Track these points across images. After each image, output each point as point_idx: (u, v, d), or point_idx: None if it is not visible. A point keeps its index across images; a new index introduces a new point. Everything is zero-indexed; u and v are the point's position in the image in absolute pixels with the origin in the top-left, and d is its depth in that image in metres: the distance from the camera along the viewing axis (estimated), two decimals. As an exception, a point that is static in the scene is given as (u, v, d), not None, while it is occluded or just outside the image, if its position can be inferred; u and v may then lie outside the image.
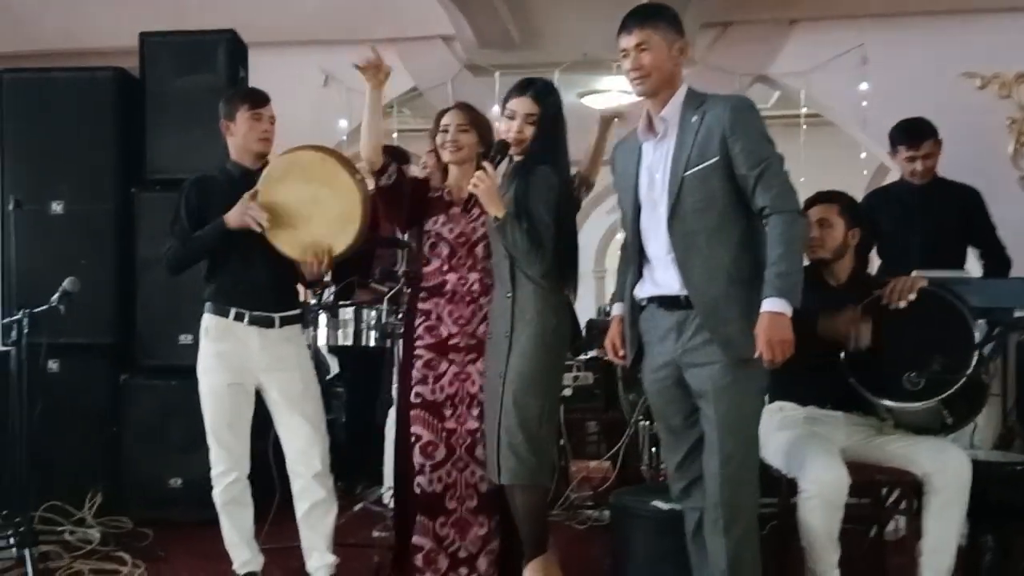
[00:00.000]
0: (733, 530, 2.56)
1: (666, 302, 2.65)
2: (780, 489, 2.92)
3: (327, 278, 3.64)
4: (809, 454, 2.83)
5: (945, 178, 4.17)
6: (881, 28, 5.43)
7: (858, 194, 10.66)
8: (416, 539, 3.14)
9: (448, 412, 3.12)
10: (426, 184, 3.25)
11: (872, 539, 3.28)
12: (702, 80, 5.73)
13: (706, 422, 2.59)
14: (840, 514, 2.78)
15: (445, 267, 3.13)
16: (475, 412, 3.10)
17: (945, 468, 2.83)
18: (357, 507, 4.11)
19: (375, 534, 4.00)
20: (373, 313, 3.81)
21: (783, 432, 2.98)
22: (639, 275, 2.74)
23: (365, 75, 3.02)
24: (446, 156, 3.16)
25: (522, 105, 2.93)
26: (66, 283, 3.43)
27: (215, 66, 4.43)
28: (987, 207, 4.17)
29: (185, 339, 4.29)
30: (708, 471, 2.59)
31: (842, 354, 2.93)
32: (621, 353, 2.84)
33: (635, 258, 2.75)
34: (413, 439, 3.14)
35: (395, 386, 3.99)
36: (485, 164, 2.86)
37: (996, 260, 4.09)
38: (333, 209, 3.14)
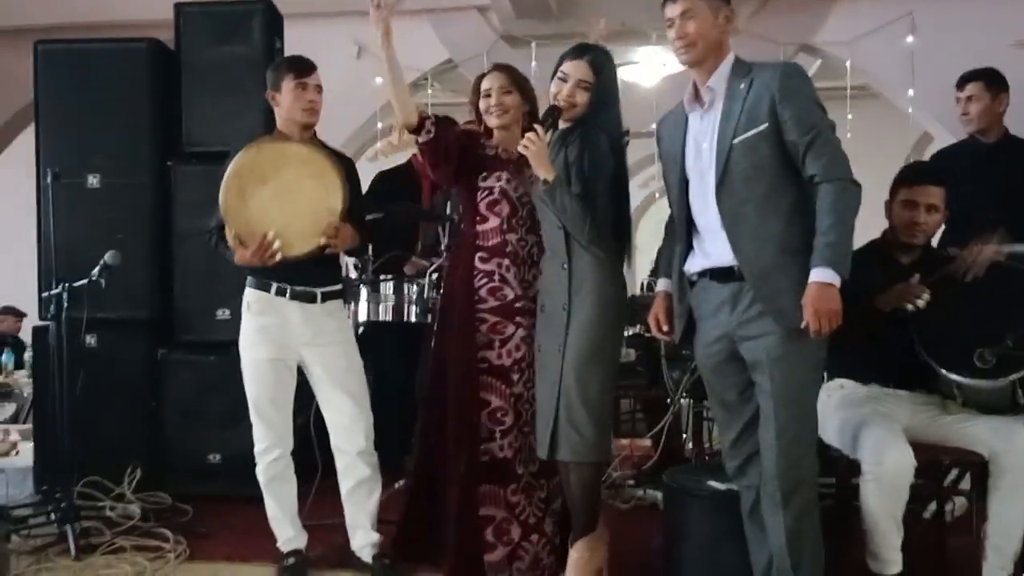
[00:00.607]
0: (792, 504, 2.49)
1: (719, 274, 2.58)
2: (838, 470, 2.84)
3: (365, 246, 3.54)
4: (873, 434, 2.74)
5: (1016, 136, 4.04)
6: (929, -3, 5.28)
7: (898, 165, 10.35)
8: (485, 510, 3.02)
9: (516, 377, 3.02)
10: (478, 137, 3.11)
11: (930, 520, 3.19)
12: (745, 49, 5.48)
13: (761, 394, 2.52)
14: (905, 496, 2.70)
15: (505, 226, 3.02)
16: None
17: (1013, 448, 2.74)
18: (398, 484, 4.05)
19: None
20: (415, 288, 3.73)
21: (844, 411, 2.90)
22: (689, 248, 2.67)
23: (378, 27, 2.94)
24: (492, 121, 3.05)
25: (577, 69, 2.82)
26: (107, 256, 3.38)
27: (251, 37, 4.33)
28: None
29: (223, 314, 4.25)
30: (764, 444, 2.52)
31: (913, 330, 2.82)
32: (665, 329, 2.79)
33: (684, 232, 2.67)
34: (480, 405, 3.02)
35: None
36: (536, 127, 2.76)
37: None
38: (303, 182, 3.06)
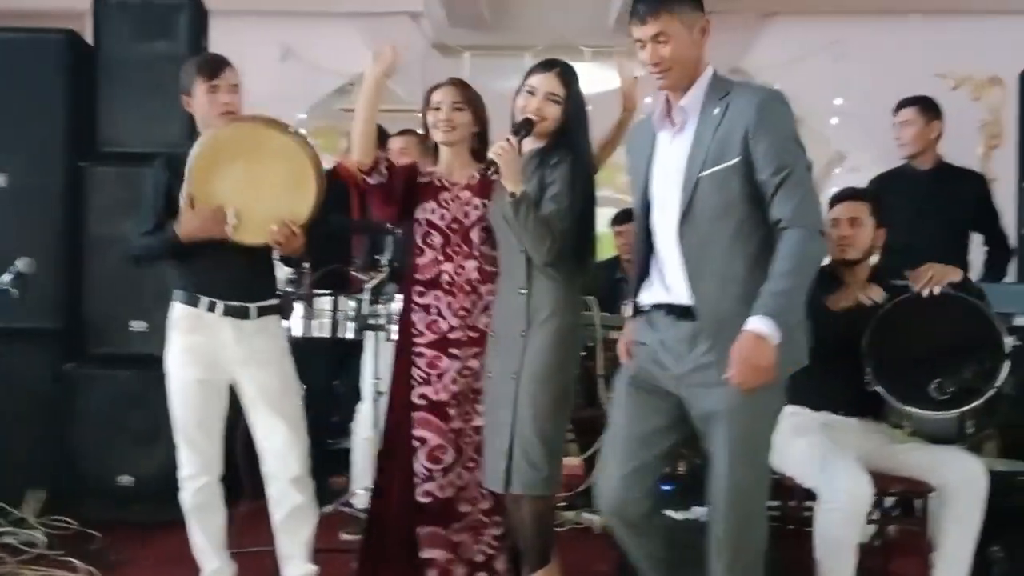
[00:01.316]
0: (736, 568, 2.32)
1: (677, 310, 2.35)
2: (793, 498, 2.82)
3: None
4: (832, 464, 2.72)
5: (950, 164, 4.15)
6: (856, 24, 5.41)
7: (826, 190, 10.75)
8: (427, 553, 2.93)
9: (453, 411, 2.93)
10: (415, 170, 3.02)
11: (872, 545, 3.21)
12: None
13: (715, 447, 2.30)
14: (862, 523, 2.69)
15: (440, 257, 2.94)
16: (480, 408, 2.92)
17: (964, 478, 2.76)
18: (325, 509, 3.88)
19: (343, 537, 3.80)
20: (352, 303, 3.57)
21: (800, 438, 2.87)
22: (646, 275, 2.46)
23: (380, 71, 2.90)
24: (438, 136, 2.95)
25: (546, 82, 2.73)
26: (19, 263, 3.11)
27: (175, 34, 4.11)
28: (991, 193, 4.18)
29: (139, 326, 4.03)
30: (714, 502, 2.32)
31: (865, 359, 2.83)
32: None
33: (642, 258, 2.46)
34: (417, 444, 2.94)
35: (372, 382, 3.81)
36: (509, 137, 2.65)
37: (1000, 248, 4.11)
38: (278, 176, 2.87)
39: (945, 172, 4.10)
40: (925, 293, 2.89)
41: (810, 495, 2.83)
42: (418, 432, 2.93)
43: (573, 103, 2.74)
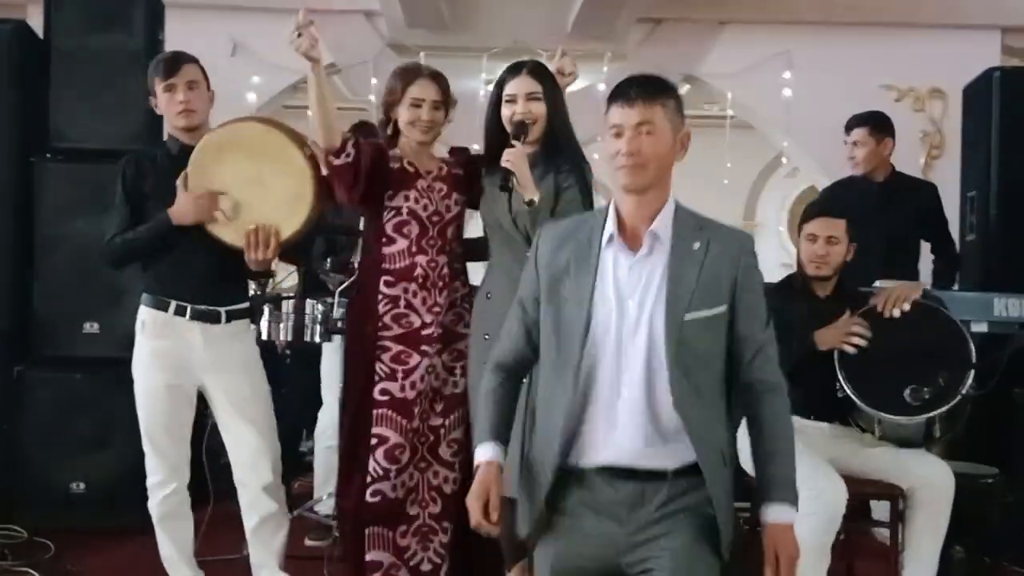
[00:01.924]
0: None
1: (621, 473, 1.95)
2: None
3: (272, 266, 3.31)
4: (804, 469, 2.75)
5: (904, 174, 4.25)
6: (807, 35, 5.53)
7: (775, 197, 10.91)
8: (372, 555, 2.84)
9: (416, 409, 2.84)
10: (383, 151, 2.87)
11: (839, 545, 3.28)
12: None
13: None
14: (837, 527, 2.75)
15: (414, 248, 2.84)
16: (439, 408, 2.89)
17: (931, 481, 2.85)
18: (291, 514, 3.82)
19: (307, 543, 3.75)
20: (320, 307, 3.51)
21: (773, 444, 2.92)
22: (576, 424, 1.97)
23: (300, 50, 2.71)
24: (417, 135, 2.85)
25: (521, 85, 2.73)
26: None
27: (131, 26, 4.01)
28: (941, 203, 4.28)
29: (91, 327, 3.93)
30: None
31: (837, 366, 2.89)
32: (494, 519, 1.98)
33: (570, 405, 1.96)
34: (375, 441, 2.82)
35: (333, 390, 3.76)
36: (515, 143, 2.64)
37: (948, 256, 4.22)
38: (280, 188, 2.84)
39: (897, 182, 4.20)
40: (887, 314, 2.96)
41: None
42: (377, 429, 2.83)
43: (552, 95, 2.74)
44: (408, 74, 2.87)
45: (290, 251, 3.04)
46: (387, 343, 2.84)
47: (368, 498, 2.82)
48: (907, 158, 5.42)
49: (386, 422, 2.83)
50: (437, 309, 2.86)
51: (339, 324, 3.47)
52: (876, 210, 4.07)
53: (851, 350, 2.87)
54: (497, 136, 2.79)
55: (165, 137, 3.15)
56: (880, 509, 3.41)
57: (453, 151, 3.06)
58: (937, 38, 5.47)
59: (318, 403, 4.04)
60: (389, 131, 2.92)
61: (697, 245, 2.00)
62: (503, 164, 2.62)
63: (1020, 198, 4.26)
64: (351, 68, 5.54)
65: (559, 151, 2.75)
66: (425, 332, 2.85)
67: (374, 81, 5.38)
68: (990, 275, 4.26)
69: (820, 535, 2.73)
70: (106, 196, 3.77)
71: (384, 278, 2.86)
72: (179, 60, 2.95)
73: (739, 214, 10.23)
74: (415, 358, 2.84)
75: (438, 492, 2.90)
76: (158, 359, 2.91)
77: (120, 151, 3.85)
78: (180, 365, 2.91)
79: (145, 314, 2.94)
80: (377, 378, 2.84)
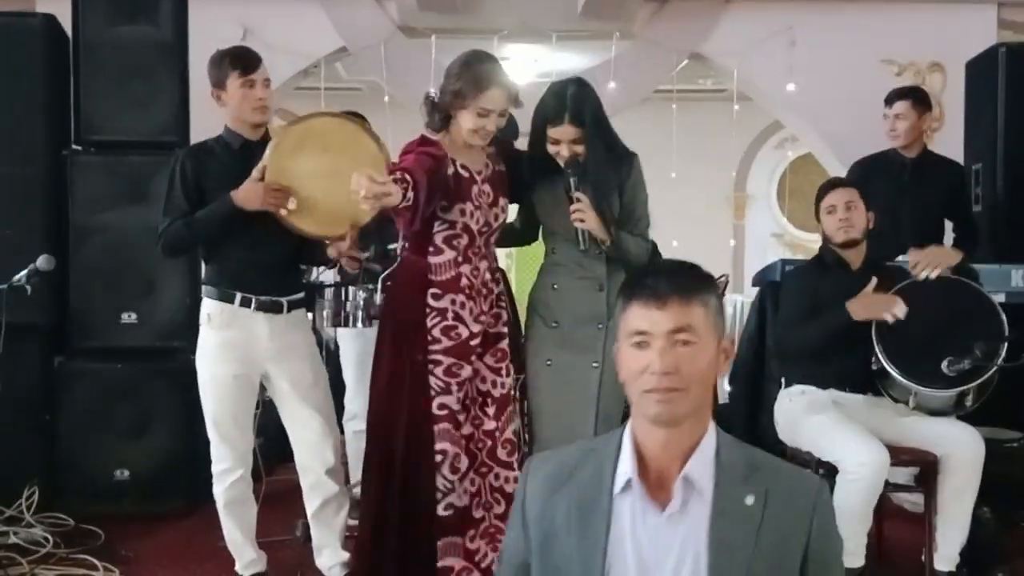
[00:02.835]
0: None
1: None
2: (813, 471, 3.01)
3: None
4: (849, 437, 2.91)
5: (934, 152, 4.31)
6: (809, 11, 5.60)
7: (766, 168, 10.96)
8: (444, 561, 2.80)
9: (463, 417, 2.81)
10: (438, 171, 2.68)
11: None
12: (638, 54, 5.77)
13: None
14: (880, 490, 2.89)
15: (460, 258, 2.77)
16: (491, 411, 2.84)
17: (963, 448, 2.98)
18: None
19: (350, 522, 3.81)
20: (361, 293, 3.58)
21: (814, 416, 3.05)
22: None
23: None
24: (476, 140, 2.74)
25: (564, 134, 2.78)
26: (40, 260, 3.04)
27: (157, 17, 4.02)
28: (968, 184, 4.37)
29: (128, 318, 3.98)
30: None
31: (875, 340, 3.02)
32: None
33: None
34: (440, 458, 2.76)
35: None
36: (578, 195, 2.73)
37: (969, 237, 4.23)
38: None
39: (928, 160, 4.25)
40: (921, 277, 3.11)
41: (822, 464, 3.03)
42: (440, 445, 2.76)
43: (592, 131, 2.78)
44: (482, 81, 2.66)
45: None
46: (438, 356, 2.77)
47: (441, 512, 2.79)
48: (908, 131, 5.58)
49: (446, 437, 2.78)
50: (483, 318, 2.83)
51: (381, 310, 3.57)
52: (909, 187, 4.15)
53: (891, 319, 2.98)
54: (542, 156, 2.85)
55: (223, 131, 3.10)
56: (896, 474, 3.57)
57: (495, 143, 2.92)
58: (936, 12, 5.56)
59: (339, 389, 4.11)
60: (437, 121, 2.76)
61: (751, 499, 1.49)
62: (575, 224, 2.72)
63: (1024, 171, 4.41)
64: (362, 51, 5.56)
65: (602, 173, 2.81)
66: (473, 343, 2.80)
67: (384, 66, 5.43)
68: (998, 246, 4.41)
69: (865, 500, 2.87)
70: (139, 187, 3.91)
71: (431, 291, 2.78)
72: (256, 56, 2.99)
73: (730, 185, 10.36)
74: (466, 369, 2.80)
75: (500, 493, 2.88)
76: (225, 350, 2.96)
77: (151, 143, 3.98)
78: (246, 355, 2.98)
79: (210, 307, 2.99)
80: (432, 392, 2.77)
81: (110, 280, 3.95)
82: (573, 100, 2.79)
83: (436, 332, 2.77)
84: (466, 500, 2.82)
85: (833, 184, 3.31)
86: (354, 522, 3.77)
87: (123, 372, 3.95)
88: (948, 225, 4.30)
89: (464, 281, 2.78)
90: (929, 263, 3.11)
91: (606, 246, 2.77)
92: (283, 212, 2.87)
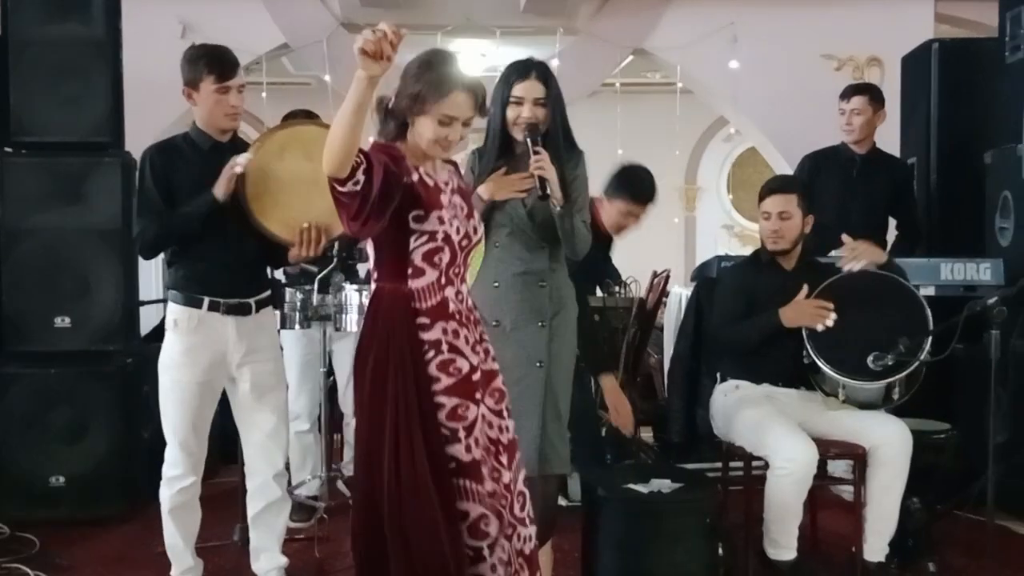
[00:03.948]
0: None
1: None
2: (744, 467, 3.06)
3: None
4: (779, 433, 2.96)
5: (882, 150, 4.36)
6: (750, 6, 5.67)
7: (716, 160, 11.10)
8: None
9: (484, 470, 2.32)
10: (398, 164, 2.26)
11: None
12: (583, 49, 5.78)
13: None
14: (809, 485, 2.94)
15: (443, 280, 2.32)
16: (504, 459, 2.40)
17: (892, 440, 3.04)
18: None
19: (291, 524, 3.81)
20: (299, 295, 3.57)
21: (748, 410, 3.10)
22: None
23: (365, 60, 2.04)
24: (437, 151, 2.34)
25: (530, 89, 2.75)
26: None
27: (88, 14, 3.94)
28: (914, 183, 4.45)
29: (62, 322, 3.90)
30: None
31: (805, 336, 3.08)
32: None
33: None
34: (464, 522, 2.29)
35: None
36: (538, 148, 2.67)
37: (911, 237, 4.34)
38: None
39: (877, 157, 4.31)
40: (845, 269, 3.17)
41: (755, 458, 3.08)
42: (461, 505, 2.28)
43: (556, 97, 2.78)
44: (444, 84, 2.29)
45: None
46: (440, 398, 2.28)
47: None
48: (848, 125, 5.66)
49: (462, 495, 2.29)
50: (479, 348, 2.39)
51: (319, 312, 3.56)
52: (857, 182, 4.22)
53: (821, 328, 3.05)
54: (501, 131, 2.81)
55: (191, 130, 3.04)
56: (837, 466, 3.65)
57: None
58: (874, 7, 5.66)
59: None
60: (392, 129, 2.37)
61: None
62: (535, 171, 2.65)
63: (958, 165, 4.50)
64: (304, 47, 5.52)
65: (561, 145, 2.79)
66: (475, 377, 2.34)
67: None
68: (931, 240, 4.50)
69: (795, 494, 2.93)
70: (73, 188, 3.85)
71: (419, 319, 2.31)
72: (234, 62, 2.93)
73: (681, 177, 10.45)
74: (472, 410, 2.31)
75: (523, 556, 2.44)
76: (192, 356, 2.91)
77: (84, 143, 3.92)
78: (214, 361, 2.93)
79: (176, 312, 2.93)
80: (437, 443, 2.28)
81: (44, 283, 3.87)
82: (540, 64, 2.82)
83: (433, 369, 2.29)
84: (501, 572, 2.32)
85: (772, 189, 3.32)
86: (296, 524, 3.81)
87: (58, 376, 3.88)
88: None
89: (452, 307, 2.33)
90: (855, 257, 3.16)
91: (558, 210, 2.71)
92: (237, 170, 2.82)
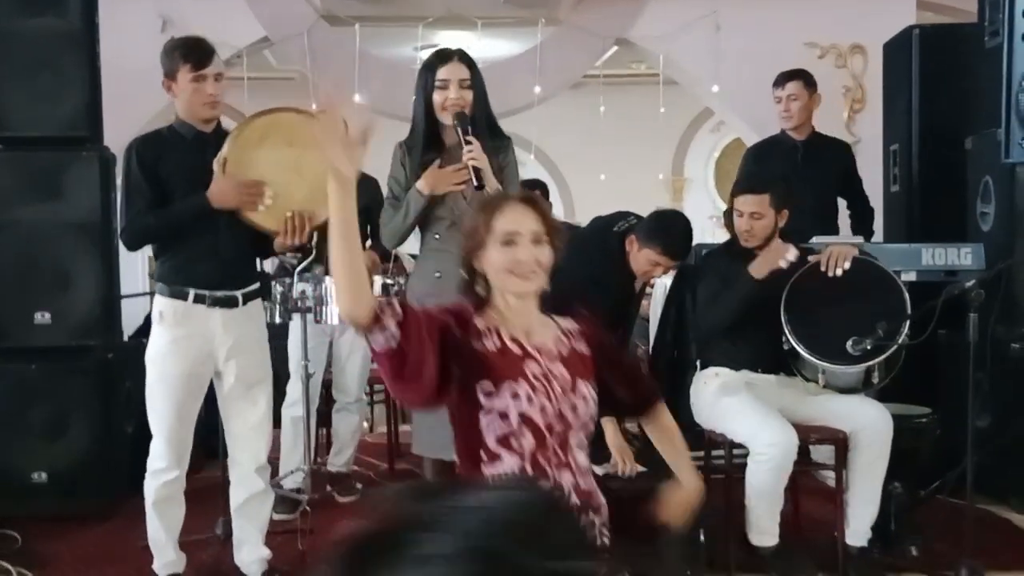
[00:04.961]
0: None
1: None
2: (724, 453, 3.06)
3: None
4: (759, 419, 2.96)
5: (821, 133, 4.40)
6: (733, -3, 5.65)
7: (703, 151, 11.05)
8: None
9: None
10: (468, 318, 1.95)
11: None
12: (565, 40, 5.77)
13: None
14: (789, 471, 2.94)
15: (528, 467, 1.91)
16: None
17: (872, 424, 3.05)
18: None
19: (275, 516, 3.80)
20: (279, 287, 3.56)
21: (726, 398, 3.10)
22: None
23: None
24: (515, 284, 1.96)
25: (455, 71, 2.81)
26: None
27: (63, 7, 3.91)
28: (855, 161, 4.48)
29: (42, 317, 3.87)
30: None
31: (783, 320, 3.07)
32: None
33: None
34: None
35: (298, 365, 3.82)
36: (470, 138, 2.71)
37: (863, 212, 4.40)
38: (316, 175, 2.85)
39: (818, 141, 4.36)
40: (831, 274, 3.15)
41: (736, 446, 3.08)
42: None
43: (479, 81, 2.82)
44: (491, 204, 1.99)
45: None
46: None
47: None
48: (831, 113, 5.61)
49: None
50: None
51: (298, 304, 3.55)
52: (803, 168, 4.24)
53: (784, 264, 3.06)
54: (428, 120, 2.83)
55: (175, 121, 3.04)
56: (819, 452, 3.65)
57: (573, 314, 2.11)
58: (856, -4, 5.65)
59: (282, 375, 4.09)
60: (480, 290, 2.00)
61: None
62: (468, 161, 2.68)
63: (940, 151, 4.49)
64: (284, 40, 5.49)
65: (487, 133, 2.82)
66: None
67: (308, 54, 5.37)
68: (913, 226, 4.50)
69: (775, 480, 2.93)
70: (50, 183, 3.82)
71: None
72: (209, 50, 2.91)
73: (668, 168, 10.44)
74: None
75: None
76: (178, 348, 2.91)
77: (61, 137, 3.89)
78: (200, 353, 2.92)
79: (163, 304, 2.93)
80: None
81: (22, 278, 3.85)
82: (460, 50, 2.87)
83: None
84: None
85: (743, 188, 3.32)
86: (280, 517, 3.79)
87: (38, 372, 3.85)
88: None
89: None
90: (836, 260, 3.14)
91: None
92: (261, 209, 2.83)
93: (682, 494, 2.07)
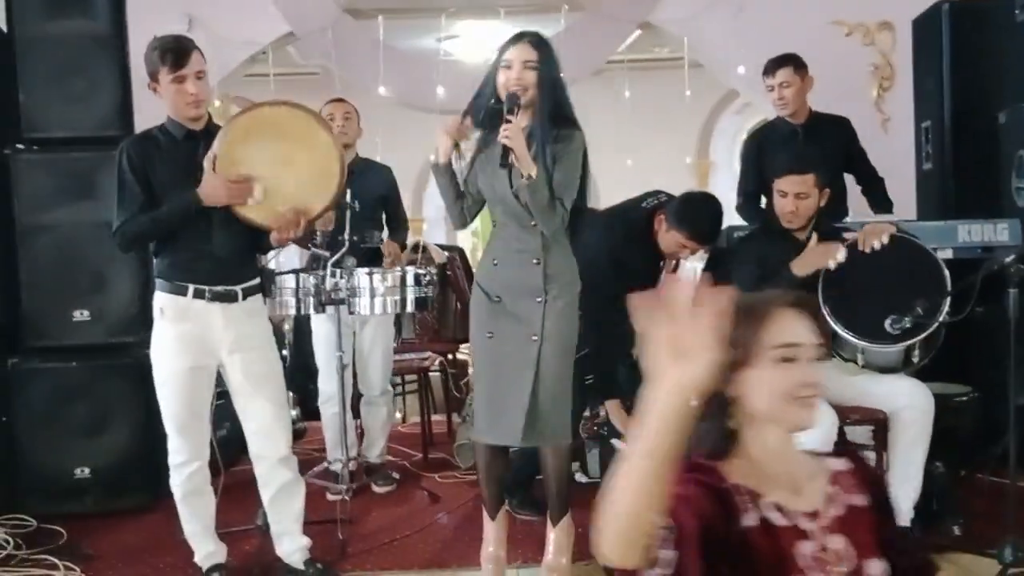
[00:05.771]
0: None
1: None
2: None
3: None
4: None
5: (819, 112, 4.30)
6: (757, -23, 5.59)
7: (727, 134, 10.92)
8: None
9: None
10: (728, 510, 1.43)
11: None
12: (588, 26, 5.74)
13: None
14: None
15: None
16: None
17: (914, 403, 3.03)
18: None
19: (329, 497, 3.87)
20: (312, 280, 3.58)
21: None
22: None
23: None
24: (800, 416, 1.49)
25: (520, 52, 2.78)
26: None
27: (92, 10, 3.95)
28: (856, 134, 4.38)
29: (81, 315, 3.93)
30: None
31: (821, 300, 3.04)
32: None
33: None
34: None
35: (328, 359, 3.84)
36: (510, 118, 2.70)
37: (874, 183, 4.30)
38: (309, 168, 2.90)
39: (818, 121, 4.25)
40: (868, 250, 3.11)
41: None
42: None
43: (548, 66, 2.79)
44: (756, 310, 1.53)
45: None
46: None
47: None
48: (859, 91, 5.59)
49: None
50: None
51: (332, 296, 3.57)
52: (802, 152, 4.12)
53: (833, 264, 3.01)
54: (493, 99, 2.82)
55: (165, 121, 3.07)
56: (855, 433, 3.62)
57: (848, 455, 1.62)
58: (884, -27, 5.58)
59: (308, 371, 4.12)
60: (712, 435, 1.51)
61: None
62: (501, 140, 2.68)
63: (972, 127, 4.44)
64: (309, 35, 5.51)
65: (553, 121, 2.79)
66: None
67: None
68: (947, 203, 4.45)
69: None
70: (85, 183, 3.87)
71: None
72: (187, 50, 2.92)
73: (693, 152, 10.38)
74: None
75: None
76: (181, 343, 2.94)
77: (93, 138, 3.93)
78: (202, 347, 2.95)
79: (163, 300, 2.96)
80: None
81: (61, 278, 3.90)
82: (536, 33, 2.86)
83: None
84: None
85: (790, 169, 3.27)
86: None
87: (78, 370, 3.91)
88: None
89: None
90: (874, 237, 3.10)
91: (523, 182, 2.71)
92: (250, 202, 2.84)
93: None
